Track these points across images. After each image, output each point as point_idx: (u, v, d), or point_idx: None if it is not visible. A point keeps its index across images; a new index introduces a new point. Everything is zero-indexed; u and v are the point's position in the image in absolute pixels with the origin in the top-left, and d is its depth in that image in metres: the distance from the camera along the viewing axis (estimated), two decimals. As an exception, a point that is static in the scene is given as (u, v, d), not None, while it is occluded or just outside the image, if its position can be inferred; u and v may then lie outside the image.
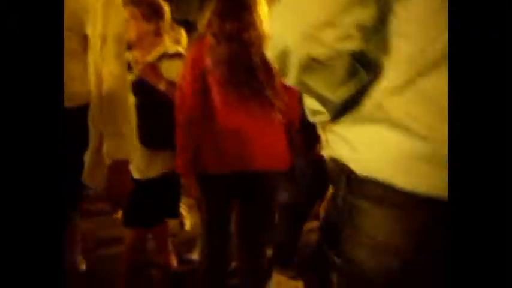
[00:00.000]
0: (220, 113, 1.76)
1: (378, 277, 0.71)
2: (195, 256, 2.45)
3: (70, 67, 1.27)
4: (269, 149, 1.80)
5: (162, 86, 1.96)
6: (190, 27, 3.07)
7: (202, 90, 1.76)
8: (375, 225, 0.71)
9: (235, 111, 1.75)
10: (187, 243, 2.72)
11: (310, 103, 0.78)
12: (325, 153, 0.86)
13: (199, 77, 1.75)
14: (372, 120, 0.71)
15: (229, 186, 1.81)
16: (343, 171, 0.76)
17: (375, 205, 0.71)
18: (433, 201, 0.66)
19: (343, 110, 0.75)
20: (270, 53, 0.73)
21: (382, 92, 0.70)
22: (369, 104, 0.72)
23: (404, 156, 0.67)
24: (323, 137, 0.88)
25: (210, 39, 1.72)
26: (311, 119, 0.83)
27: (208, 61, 1.72)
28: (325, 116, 0.77)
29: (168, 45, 2.11)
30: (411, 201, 0.67)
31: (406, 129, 0.67)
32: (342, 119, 0.76)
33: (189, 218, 3.05)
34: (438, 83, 0.65)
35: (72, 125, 1.21)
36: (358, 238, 0.73)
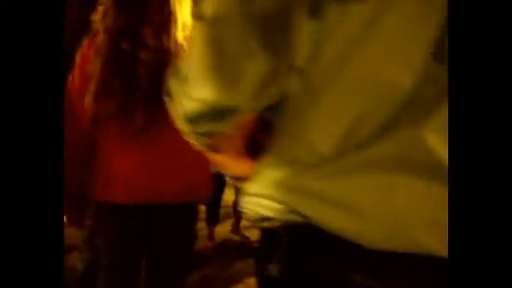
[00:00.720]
0: (117, 128, 1.42)
1: None
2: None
3: None
4: (184, 176, 1.46)
5: None
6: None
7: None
8: None
9: (136, 126, 1.40)
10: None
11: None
12: (253, 211, 0.63)
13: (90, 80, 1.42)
14: (391, 167, 0.50)
15: (134, 221, 1.47)
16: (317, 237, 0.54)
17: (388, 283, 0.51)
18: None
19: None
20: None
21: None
22: (384, 144, 0.51)
23: (441, 211, 0.48)
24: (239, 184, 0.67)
25: (100, 36, 1.41)
26: (197, 141, 0.65)
27: (95, 63, 1.40)
28: None
29: None
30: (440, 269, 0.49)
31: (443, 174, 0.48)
32: (326, 168, 0.54)
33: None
34: None
35: None
36: None
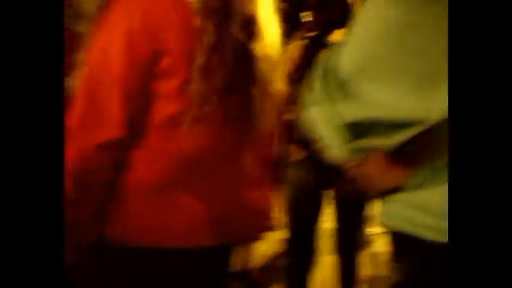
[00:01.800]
0: (163, 138, 0.92)
1: None
2: None
3: None
4: (252, 206, 0.99)
5: None
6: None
7: (142, 90, 0.89)
8: None
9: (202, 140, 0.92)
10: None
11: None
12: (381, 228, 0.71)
13: (145, 60, 0.88)
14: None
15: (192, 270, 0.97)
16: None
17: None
18: None
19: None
20: None
21: None
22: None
23: None
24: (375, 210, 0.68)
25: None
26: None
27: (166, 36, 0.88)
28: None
29: None
30: None
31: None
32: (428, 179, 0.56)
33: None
34: None
35: None
36: None
